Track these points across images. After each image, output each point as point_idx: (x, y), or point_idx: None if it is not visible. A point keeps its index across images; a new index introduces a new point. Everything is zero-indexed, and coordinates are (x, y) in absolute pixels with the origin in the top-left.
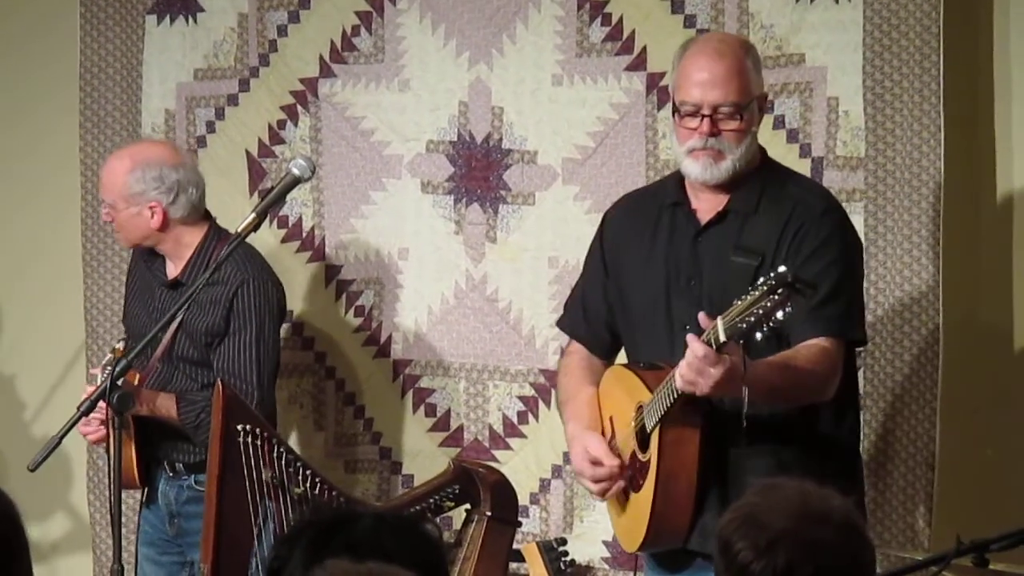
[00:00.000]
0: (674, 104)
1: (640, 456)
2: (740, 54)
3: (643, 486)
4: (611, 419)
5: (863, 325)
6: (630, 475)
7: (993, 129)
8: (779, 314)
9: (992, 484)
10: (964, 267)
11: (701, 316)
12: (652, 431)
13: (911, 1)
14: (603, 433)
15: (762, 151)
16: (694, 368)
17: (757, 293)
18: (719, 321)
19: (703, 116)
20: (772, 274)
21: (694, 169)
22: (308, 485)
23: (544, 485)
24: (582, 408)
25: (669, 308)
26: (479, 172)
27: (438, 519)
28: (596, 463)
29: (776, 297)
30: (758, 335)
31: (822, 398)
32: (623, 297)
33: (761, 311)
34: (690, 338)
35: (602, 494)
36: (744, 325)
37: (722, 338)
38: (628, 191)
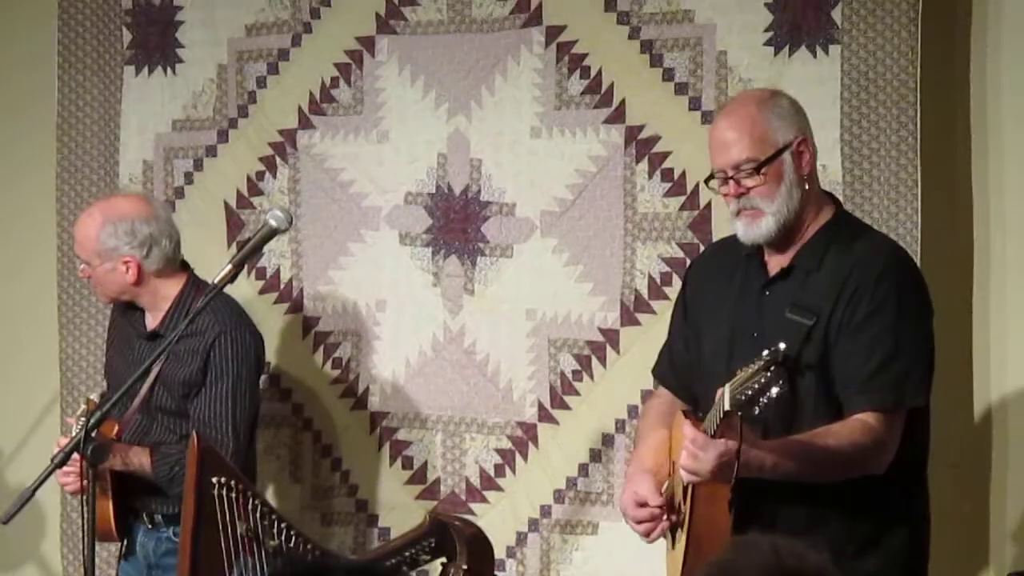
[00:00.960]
0: None
1: (683, 506)
2: (751, 109)
3: (679, 538)
4: (674, 463)
5: (922, 390)
6: (675, 520)
7: (971, 185)
8: (773, 391)
9: (969, 536)
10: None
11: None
12: (687, 485)
13: (888, 56)
14: (670, 475)
15: (836, 204)
16: (690, 453)
17: (754, 367)
18: (727, 388)
19: (727, 179)
20: (770, 348)
21: (740, 231)
22: (283, 538)
23: (521, 538)
24: (646, 451)
25: (731, 359)
26: (457, 224)
27: (414, 573)
28: (641, 504)
29: (769, 374)
30: (755, 410)
31: (867, 472)
32: (699, 344)
33: (757, 386)
34: (685, 422)
35: (646, 534)
36: (743, 397)
37: (726, 407)
38: (606, 244)
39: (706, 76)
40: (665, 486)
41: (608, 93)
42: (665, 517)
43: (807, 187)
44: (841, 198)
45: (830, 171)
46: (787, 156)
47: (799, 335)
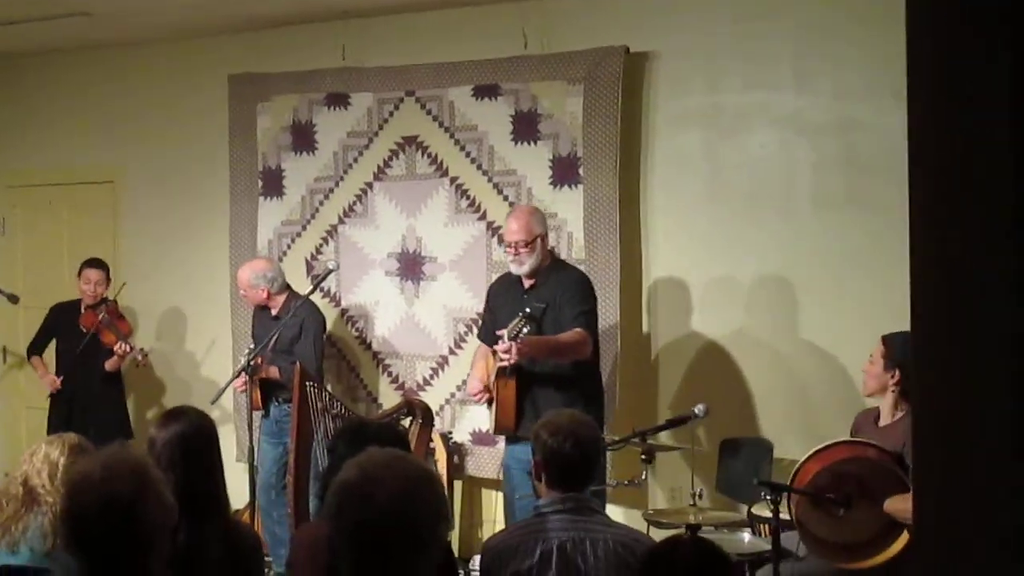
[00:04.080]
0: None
1: (493, 388)
2: (525, 214)
3: (493, 404)
4: (491, 367)
5: (593, 324)
6: (490, 397)
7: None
8: (524, 330)
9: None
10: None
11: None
12: (495, 378)
13: (606, 187)
14: (487, 374)
15: (553, 255)
16: (501, 349)
17: (517, 319)
18: (506, 330)
19: (512, 246)
20: (523, 311)
21: (513, 268)
22: (339, 410)
23: (441, 408)
24: (478, 365)
25: (507, 324)
26: (410, 266)
27: (404, 423)
28: (475, 390)
29: (523, 321)
30: (521, 335)
31: (582, 355)
32: (495, 320)
33: (519, 327)
34: (491, 350)
35: (479, 401)
36: (513, 332)
37: (506, 336)
38: (480, 274)
39: (522, 198)
40: (488, 380)
41: (478, 207)
42: (487, 394)
43: (543, 251)
44: (583, 249)
45: (575, 238)
46: (538, 240)
47: (540, 309)
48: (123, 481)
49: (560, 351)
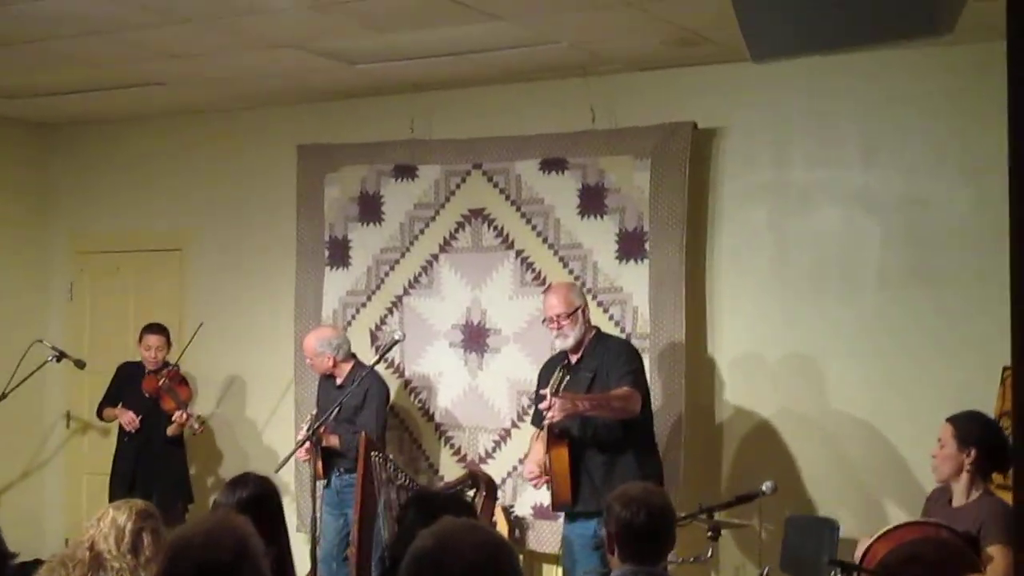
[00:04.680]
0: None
1: (548, 467)
2: (564, 289)
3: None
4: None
5: (641, 384)
6: (548, 479)
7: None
8: (566, 379)
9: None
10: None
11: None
12: (547, 449)
13: (673, 260)
14: (543, 458)
15: (596, 328)
16: (543, 406)
17: (557, 373)
18: (548, 388)
19: (553, 320)
20: (564, 363)
21: (558, 344)
22: (404, 480)
23: (503, 481)
24: (536, 448)
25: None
26: (474, 338)
27: (470, 492)
28: (531, 473)
29: (560, 373)
30: (559, 391)
31: (631, 412)
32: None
33: (560, 379)
34: (543, 393)
35: (536, 487)
36: (556, 386)
37: (548, 393)
38: (553, 351)
39: (588, 272)
40: (544, 463)
41: (543, 280)
42: (544, 477)
43: (584, 322)
44: (648, 323)
45: (640, 312)
46: (579, 312)
47: (588, 378)
48: (223, 549)
49: (605, 405)
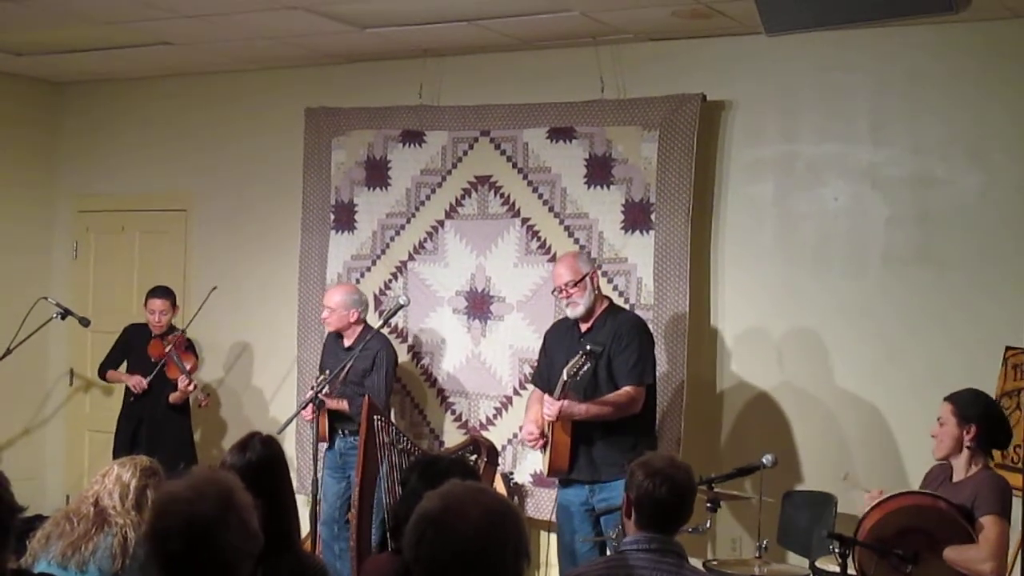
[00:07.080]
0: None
1: (547, 433)
2: (570, 258)
3: (546, 448)
4: (543, 415)
5: (648, 378)
6: (545, 441)
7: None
8: (586, 367)
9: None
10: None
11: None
12: (548, 422)
13: (678, 233)
14: (542, 418)
15: (608, 299)
16: (545, 406)
17: (576, 357)
18: (565, 369)
19: (561, 290)
20: (584, 348)
21: (568, 312)
22: (405, 445)
23: (503, 447)
24: (531, 411)
25: (565, 366)
26: (478, 305)
27: (473, 457)
28: (531, 434)
29: (584, 359)
30: (577, 378)
31: (632, 411)
32: (550, 363)
33: (578, 366)
34: (543, 396)
35: (534, 447)
36: (573, 371)
37: (564, 377)
38: (551, 320)
39: (593, 242)
40: (543, 424)
41: (548, 249)
42: (541, 439)
43: (595, 293)
44: (652, 295)
45: (644, 283)
46: (587, 279)
47: (597, 352)
48: (208, 503)
49: (606, 413)
